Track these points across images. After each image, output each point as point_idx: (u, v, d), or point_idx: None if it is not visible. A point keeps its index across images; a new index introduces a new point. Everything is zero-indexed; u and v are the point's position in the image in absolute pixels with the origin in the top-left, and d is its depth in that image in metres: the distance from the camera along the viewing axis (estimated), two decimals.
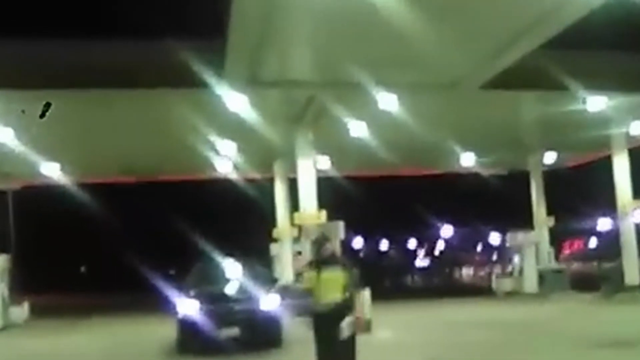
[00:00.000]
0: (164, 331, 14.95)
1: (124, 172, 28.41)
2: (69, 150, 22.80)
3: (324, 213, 19.41)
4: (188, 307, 13.07)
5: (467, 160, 27.79)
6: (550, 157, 28.83)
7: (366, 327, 14.71)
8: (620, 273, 23.89)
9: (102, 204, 31.65)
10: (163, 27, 15.37)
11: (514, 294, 27.36)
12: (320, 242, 7.18)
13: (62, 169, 25.14)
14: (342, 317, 6.90)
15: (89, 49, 15.55)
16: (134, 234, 41.87)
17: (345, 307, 6.97)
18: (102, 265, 55.75)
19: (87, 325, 20.61)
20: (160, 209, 40.74)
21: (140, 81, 16.04)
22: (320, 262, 7.01)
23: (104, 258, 53.68)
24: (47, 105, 16.61)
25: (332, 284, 6.84)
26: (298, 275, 23.14)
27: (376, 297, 15.54)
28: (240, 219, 39.85)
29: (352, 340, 7.00)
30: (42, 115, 16.98)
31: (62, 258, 47.56)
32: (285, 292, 16.02)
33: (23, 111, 16.99)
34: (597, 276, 27.37)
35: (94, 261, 58.06)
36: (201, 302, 13.04)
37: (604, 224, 34.82)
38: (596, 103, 19.92)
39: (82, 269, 64.50)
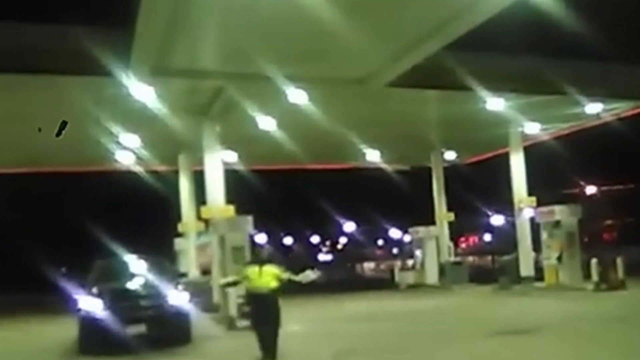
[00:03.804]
0: (61, 332, 14.25)
1: (18, 163, 26.88)
2: None
3: (231, 207, 19.17)
4: (90, 305, 12.51)
5: (372, 155, 28.30)
6: (450, 154, 29.79)
7: None
8: (516, 266, 25.00)
9: None
10: (67, 12, 14.63)
11: (416, 287, 28.14)
12: (259, 250, 11.25)
13: None
14: (276, 298, 10.15)
15: None
16: (25, 229, 39.59)
17: (278, 291, 10.20)
18: None
19: None
20: (55, 203, 39.00)
21: (39, 67, 15.16)
22: (260, 261, 10.35)
23: None
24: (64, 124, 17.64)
25: (270, 276, 10.14)
26: (204, 271, 22.82)
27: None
28: (142, 212, 38.75)
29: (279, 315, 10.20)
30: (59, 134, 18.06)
31: None
32: (191, 287, 15.73)
33: None
34: (493, 269, 28.55)
35: None
36: (104, 300, 12.52)
37: (499, 219, 36.40)
38: (495, 103, 20.86)
39: None
